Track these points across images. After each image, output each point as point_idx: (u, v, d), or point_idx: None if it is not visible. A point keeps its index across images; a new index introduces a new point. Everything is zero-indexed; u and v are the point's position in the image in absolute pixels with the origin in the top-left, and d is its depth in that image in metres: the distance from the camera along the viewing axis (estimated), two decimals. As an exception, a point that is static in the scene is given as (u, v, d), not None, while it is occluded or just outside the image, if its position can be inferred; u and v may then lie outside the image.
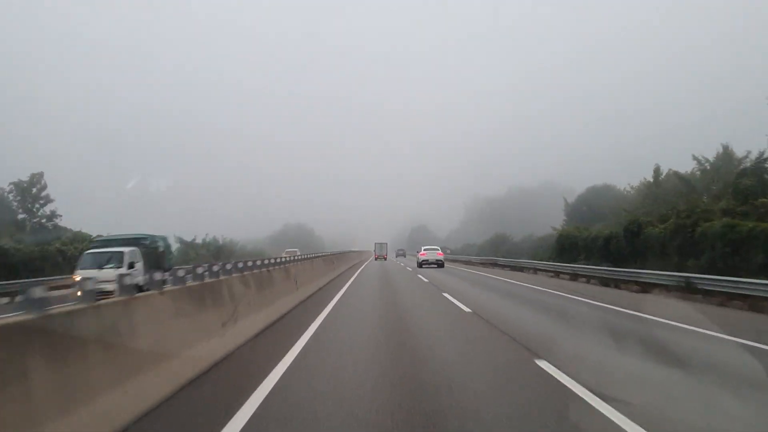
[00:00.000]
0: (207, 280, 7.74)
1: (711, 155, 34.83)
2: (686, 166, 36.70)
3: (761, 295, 12.57)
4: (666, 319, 11.12)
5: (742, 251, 15.91)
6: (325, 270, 23.33)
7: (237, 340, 7.91)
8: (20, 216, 39.77)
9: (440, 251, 39.18)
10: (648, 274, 18.01)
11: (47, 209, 41.02)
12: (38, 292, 3.72)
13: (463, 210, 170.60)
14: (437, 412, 4.87)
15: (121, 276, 5.26)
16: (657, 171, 38.40)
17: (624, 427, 4.38)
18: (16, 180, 40.64)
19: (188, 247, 49.11)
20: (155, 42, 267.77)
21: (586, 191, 59.98)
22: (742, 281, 13.51)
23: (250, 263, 11.07)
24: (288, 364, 6.91)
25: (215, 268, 8.73)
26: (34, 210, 40.57)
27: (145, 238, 19.25)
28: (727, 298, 14.09)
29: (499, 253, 76.07)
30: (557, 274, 26.62)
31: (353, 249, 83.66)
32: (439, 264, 36.81)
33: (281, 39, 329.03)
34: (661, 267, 18.95)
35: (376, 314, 12.49)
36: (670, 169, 36.05)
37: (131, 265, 16.35)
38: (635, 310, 12.72)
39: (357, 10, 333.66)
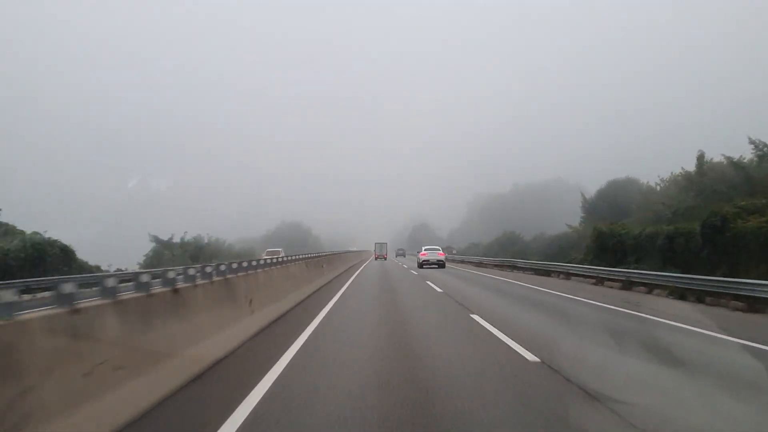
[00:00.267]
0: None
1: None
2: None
3: None
4: None
5: None
6: (310, 276, 18.03)
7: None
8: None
9: (441, 251, 38.17)
10: (761, 285, 12.65)
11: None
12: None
13: (465, 208, 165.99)
14: None
15: None
16: (701, 159, 33.10)
17: None
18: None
19: (164, 247, 43.82)
20: (155, 41, 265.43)
21: (607, 185, 54.72)
22: None
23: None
24: None
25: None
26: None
27: None
28: None
29: (508, 253, 70.87)
30: (600, 280, 21.31)
31: (351, 249, 79.13)
32: (440, 264, 35.59)
33: (281, 39, 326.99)
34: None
35: (375, 380, 6.73)
36: (722, 156, 30.56)
37: None
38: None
39: (357, 10, 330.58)
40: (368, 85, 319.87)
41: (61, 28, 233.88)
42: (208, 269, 8.05)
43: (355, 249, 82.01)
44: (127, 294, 5.25)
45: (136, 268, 35.81)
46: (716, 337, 9.21)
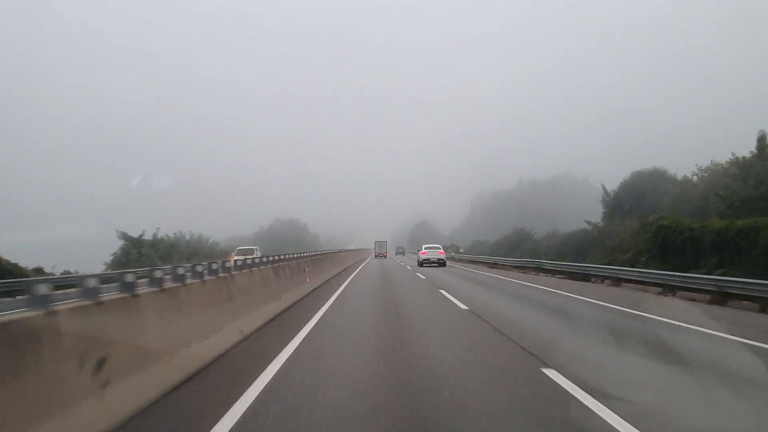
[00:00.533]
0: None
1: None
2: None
3: None
4: None
5: None
6: (279, 288, 12.70)
7: None
8: None
9: (442, 250, 37.41)
10: None
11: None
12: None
13: (468, 206, 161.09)
14: None
15: None
16: (762, 141, 27.76)
17: None
18: None
19: (133, 245, 38.46)
20: (155, 41, 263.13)
21: (632, 177, 49.35)
22: None
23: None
24: None
25: None
26: None
27: None
28: None
29: (521, 252, 65.52)
30: (669, 289, 15.97)
31: (350, 247, 74.26)
32: (441, 263, 34.78)
33: (281, 39, 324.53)
34: None
35: None
36: None
37: None
38: None
39: (357, 9, 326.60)
40: (369, 85, 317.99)
41: (59, 27, 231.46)
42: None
43: (353, 248, 78.04)
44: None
45: (94, 271, 30.42)
46: None
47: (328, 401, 5.04)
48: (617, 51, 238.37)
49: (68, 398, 3.71)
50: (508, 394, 5.28)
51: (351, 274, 26.39)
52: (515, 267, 31.48)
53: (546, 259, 51.50)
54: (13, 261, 22.98)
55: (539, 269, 27.59)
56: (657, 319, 10.99)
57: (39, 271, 25.33)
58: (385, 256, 66.85)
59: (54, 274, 24.96)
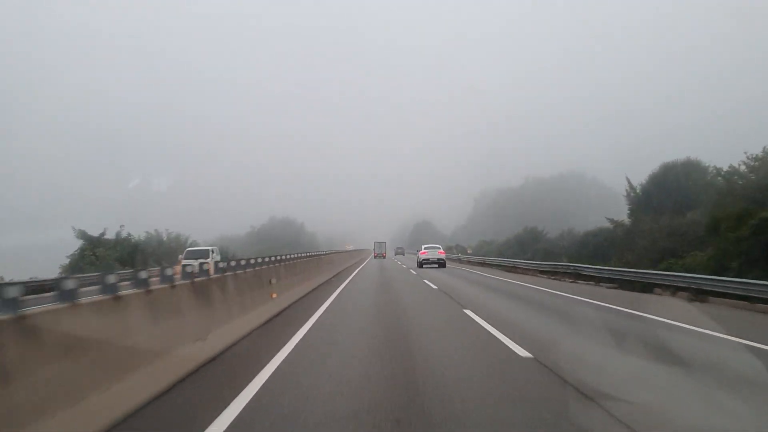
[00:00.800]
0: None
1: None
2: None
3: None
4: None
5: None
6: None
7: None
8: None
9: (442, 250, 36.74)
10: None
11: None
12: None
13: (471, 205, 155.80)
14: None
15: None
16: None
17: None
18: None
19: (94, 244, 33.15)
20: (154, 40, 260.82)
21: (662, 170, 43.98)
22: None
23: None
24: None
25: None
26: None
27: None
28: None
29: (528, 254, 60.26)
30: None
31: (348, 248, 69.56)
32: (441, 263, 34.17)
33: (281, 40, 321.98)
34: None
35: None
36: None
37: None
38: None
39: (357, 7, 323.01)
40: (369, 84, 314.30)
41: (59, 27, 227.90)
42: None
43: (351, 248, 73.55)
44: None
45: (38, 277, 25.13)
46: None
47: None
48: (617, 50, 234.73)
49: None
50: None
51: (342, 283, 21.15)
52: (542, 272, 26.17)
53: (566, 261, 46.37)
54: None
55: (577, 275, 22.29)
56: None
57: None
58: (384, 257, 66.55)
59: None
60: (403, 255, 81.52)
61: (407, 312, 12.20)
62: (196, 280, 7.41)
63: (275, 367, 6.45)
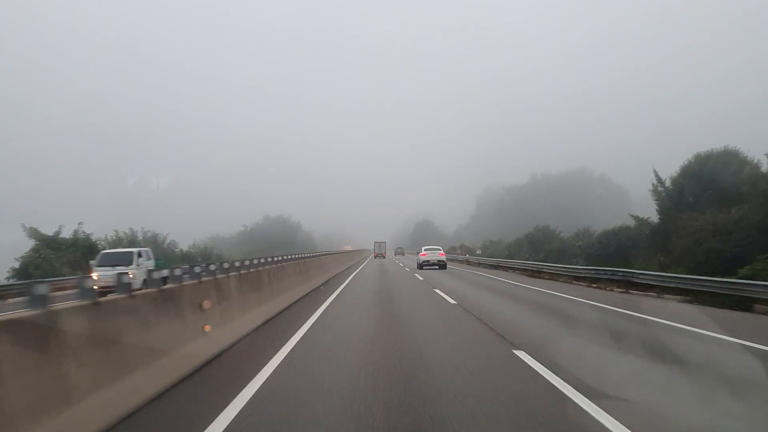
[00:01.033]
0: None
1: None
2: None
3: None
4: None
5: None
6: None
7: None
8: None
9: (442, 251, 36.40)
10: None
11: None
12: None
13: (474, 203, 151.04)
14: None
15: None
16: None
17: None
18: None
19: (48, 244, 28.44)
20: (152, 39, 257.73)
21: (696, 161, 39.25)
22: None
23: None
24: None
25: None
26: None
27: None
28: None
29: (541, 254, 55.64)
30: None
31: (346, 249, 66.18)
32: (441, 265, 33.92)
33: (281, 41, 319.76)
34: None
35: None
36: None
37: None
38: None
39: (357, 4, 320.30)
40: (370, 82, 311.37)
41: (55, 26, 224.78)
42: None
43: (350, 249, 70.24)
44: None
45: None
46: None
47: None
48: (625, 45, 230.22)
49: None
50: None
51: (331, 295, 16.54)
52: (578, 278, 21.48)
53: (582, 264, 41.76)
54: None
55: (628, 284, 17.61)
56: None
57: None
58: (384, 256, 66.94)
59: None
60: (403, 255, 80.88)
61: (422, 354, 7.51)
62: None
63: None
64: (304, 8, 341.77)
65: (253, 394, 5.40)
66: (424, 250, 35.92)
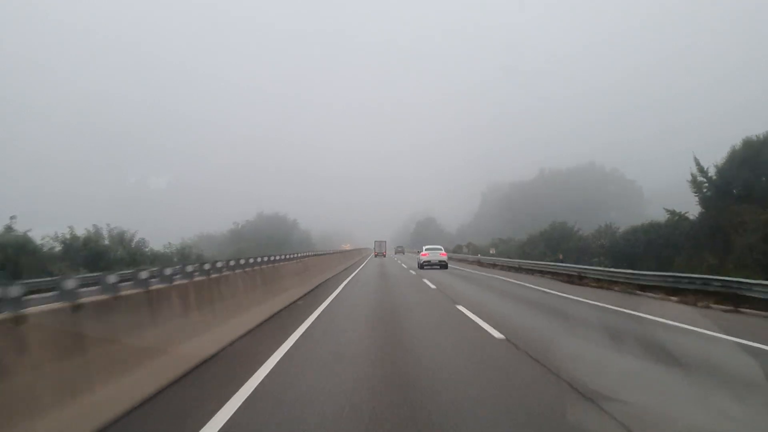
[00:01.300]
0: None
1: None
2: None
3: None
4: None
5: None
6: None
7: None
8: None
9: (443, 251, 35.36)
10: None
11: None
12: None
13: (478, 200, 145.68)
14: None
15: None
16: None
17: None
18: None
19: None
20: (152, 38, 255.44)
21: (744, 147, 33.95)
22: None
23: None
24: None
25: None
26: None
27: None
28: None
29: (558, 253, 50.35)
30: None
31: (345, 248, 63.25)
32: (442, 265, 33.00)
33: (282, 41, 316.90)
34: None
35: None
36: None
37: None
38: None
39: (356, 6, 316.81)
40: (371, 81, 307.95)
41: (54, 26, 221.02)
42: None
43: (349, 248, 66.91)
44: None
45: None
46: None
47: None
48: (630, 46, 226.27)
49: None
50: None
51: (314, 312, 11.32)
52: (643, 287, 16.14)
53: (603, 266, 36.77)
54: None
55: (735, 299, 12.32)
56: None
57: None
58: (385, 255, 67.45)
59: None
60: (403, 254, 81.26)
61: None
62: None
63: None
64: (304, 8, 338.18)
65: None
66: (425, 249, 35.29)
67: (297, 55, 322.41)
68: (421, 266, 32.95)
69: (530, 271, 26.89)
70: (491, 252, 45.06)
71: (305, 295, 15.29)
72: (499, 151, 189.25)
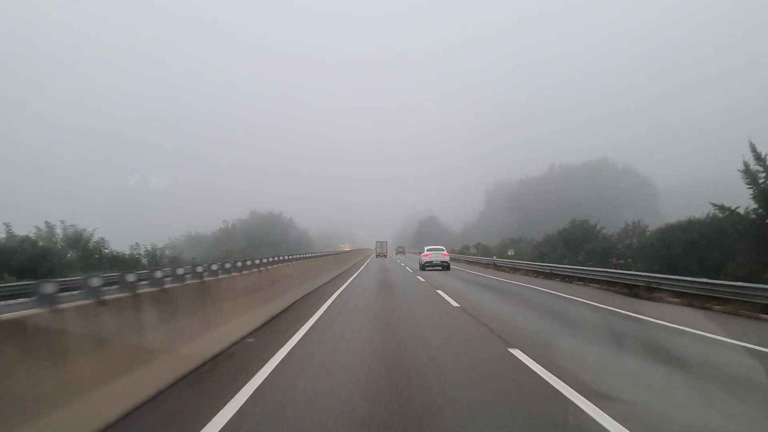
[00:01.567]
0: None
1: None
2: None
3: None
4: None
5: None
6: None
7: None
8: None
9: (445, 252, 34.57)
10: None
11: None
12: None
13: (483, 199, 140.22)
14: None
15: None
16: None
17: None
18: None
19: None
20: (151, 40, 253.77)
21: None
22: None
23: None
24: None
25: None
26: None
27: None
28: None
29: (580, 255, 45.18)
30: None
31: (344, 249, 60.15)
32: (445, 266, 32.16)
33: (282, 42, 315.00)
34: None
35: None
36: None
37: None
38: None
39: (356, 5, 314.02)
40: (372, 81, 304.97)
41: (54, 27, 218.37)
42: None
43: (348, 249, 64.32)
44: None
45: None
46: None
47: None
48: (641, 40, 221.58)
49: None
50: None
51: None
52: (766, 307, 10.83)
53: (641, 269, 31.59)
54: None
55: None
56: None
57: None
58: (386, 255, 67.50)
59: None
60: (404, 254, 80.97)
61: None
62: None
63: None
64: (304, 9, 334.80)
65: None
66: (427, 250, 34.44)
67: (297, 55, 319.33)
68: (423, 267, 31.95)
69: (567, 278, 21.59)
70: (509, 253, 39.75)
71: (287, 309, 10.02)
72: (504, 150, 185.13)
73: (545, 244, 50.13)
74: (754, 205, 31.99)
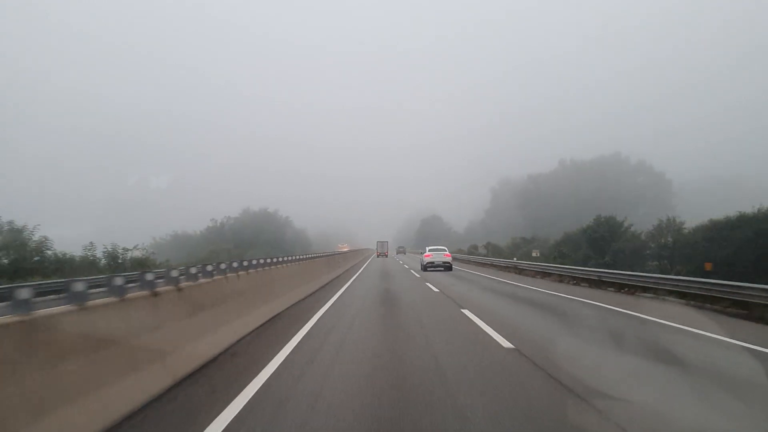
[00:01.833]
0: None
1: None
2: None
3: None
4: None
5: None
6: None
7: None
8: None
9: (447, 252, 33.99)
10: None
11: None
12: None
13: (488, 197, 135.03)
14: None
15: None
16: None
17: None
18: None
19: None
20: (148, 40, 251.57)
21: None
22: None
23: None
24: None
25: None
26: None
27: None
28: None
29: (606, 257, 40.23)
30: None
31: (342, 249, 56.69)
32: (447, 267, 31.74)
33: (282, 42, 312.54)
34: None
35: None
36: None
37: None
38: None
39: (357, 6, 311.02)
40: (373, 80, 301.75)
41: (55, 28, 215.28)
42: None
43: (346, 249, 60.84)
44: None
45: None
46: None
47: None
48: (630, 43, 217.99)
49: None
50: None
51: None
52: None
53: (681, 273, 26.66)
54: None
55: None
56: None
57: None
58: (387, 255, 67.94)
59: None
60: (405, 254, 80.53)
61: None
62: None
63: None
64: (304, 9, 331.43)
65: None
66: (429, 250, 33.64)
67: (298, 55, 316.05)
68: (425, 268, 31.51)
69: (625, 288, 16.47)
70: (533, 255, 34.52)
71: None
72: (505, 149, 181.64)
73: (565, 243, 44.94)
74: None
